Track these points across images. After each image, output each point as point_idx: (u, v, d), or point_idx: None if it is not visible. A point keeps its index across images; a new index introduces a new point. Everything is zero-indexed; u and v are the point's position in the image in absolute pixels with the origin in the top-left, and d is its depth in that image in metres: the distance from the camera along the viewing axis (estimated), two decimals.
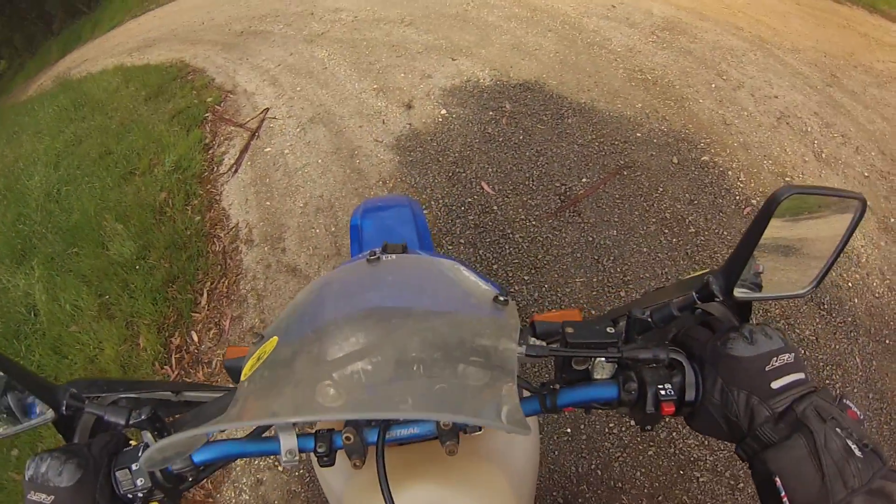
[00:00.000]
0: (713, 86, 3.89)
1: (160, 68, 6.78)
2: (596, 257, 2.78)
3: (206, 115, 4.89)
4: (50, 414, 0.72)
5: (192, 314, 2.97)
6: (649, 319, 0.66)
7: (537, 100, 3.77)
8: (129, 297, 3.11)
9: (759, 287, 0.65)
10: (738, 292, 0.62)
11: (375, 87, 4.21)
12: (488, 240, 2.94)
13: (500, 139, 3.47)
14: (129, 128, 5.53)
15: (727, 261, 0.61)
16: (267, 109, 4.44)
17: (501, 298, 0.66)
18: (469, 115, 3.70)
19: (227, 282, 3.09)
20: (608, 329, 0.64)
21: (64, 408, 0.72)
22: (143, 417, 0.63)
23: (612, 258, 2.76)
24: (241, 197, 3.68)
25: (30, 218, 4.56)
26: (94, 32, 18.00)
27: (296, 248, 3.14)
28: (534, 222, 2.96)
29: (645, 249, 2.80)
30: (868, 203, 0.65)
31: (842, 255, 0.63)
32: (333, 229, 3.16)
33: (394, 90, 4.11)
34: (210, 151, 4.37)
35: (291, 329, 0.67)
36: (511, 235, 2.93)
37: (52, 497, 0.60)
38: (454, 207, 3.11)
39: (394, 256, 0.79)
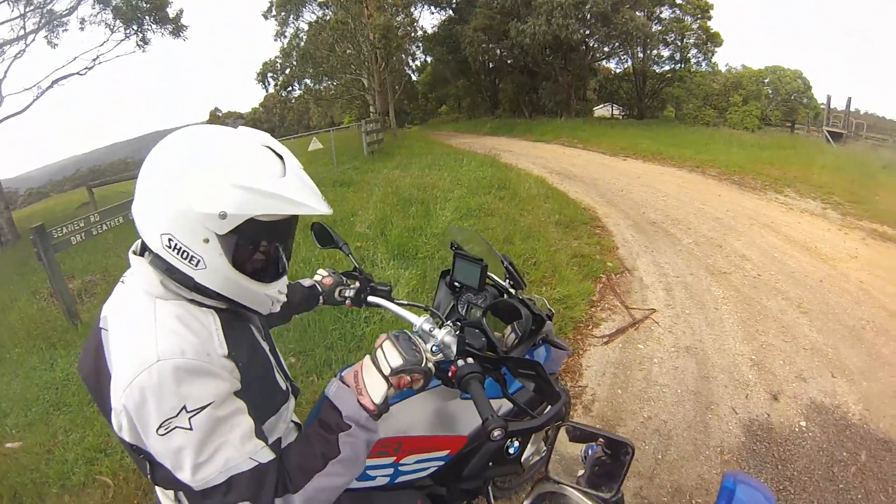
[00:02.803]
0: None
1: (576, 205, 7.93)
2: None
3: (602, 276, 5.63)
4: None
5: None
6: None
7: (894, 467, 3.43)
8: None
9: None
10: None
11: (753, 358, 4.37)
12: None
13: (841, 485, 3.28)
14: (535, 235, 6.55)
15: None
16: (654, 310, 4.95)
17: None
18: (824, 443, 3.58)
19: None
20: None
21: None
22: None
23: None
24: (600, 369, 4.17)
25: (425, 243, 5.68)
26: (524, 135, 21.39)
27: None
28: None
29: None
30: None
31: None
32: (659, 457, 3.37)
33: (767, 372, 4.21)
34: (592, 309, 5.03)
35: None
36: None
37: None
38: None
39: None
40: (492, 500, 1.90)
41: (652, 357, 4.35)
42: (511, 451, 1.73)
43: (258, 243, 1.14)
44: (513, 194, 8.75)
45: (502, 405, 1.64)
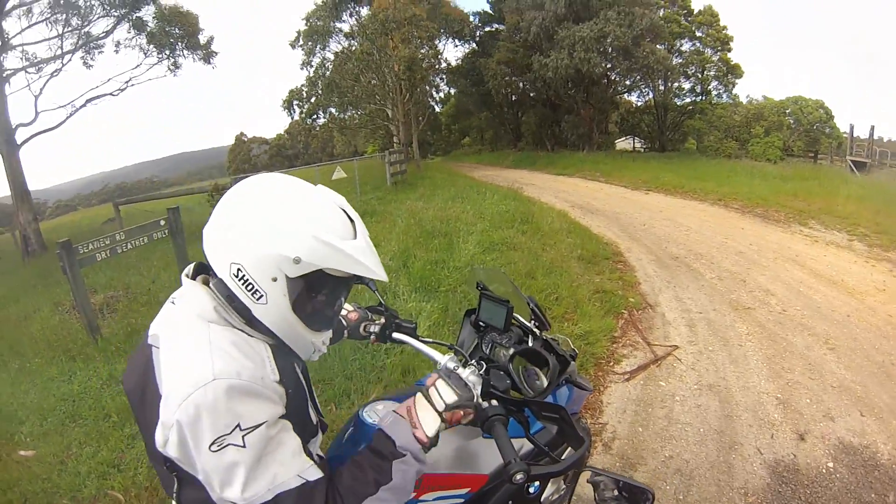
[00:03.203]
0: None
1: (598, 240, 7.97)
2: None
3: (624, 311, 5.64)
4: None
5: None
6: None
7: None
8: None
9: None
10: None
11: (779, 396, 4.30)
12: None
13: None
14: (557, 270, 6.58)
15: None
16: (676, 347, 4.92)
17: None
18: (852, 485, 3.50)
19: None
20: None
21: None
22: None
23: None
24: (621, 406, 4.15)
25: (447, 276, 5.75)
26: (546, 168, 21.66)
27: None
28: None
29: None
30: None
31: None
32: (681, 498, 3.33)
33: (794, 411, 4.13)
34: (614, 345, 5.02)
35: None
36: None
37: None
38: None
39: None
40: None
41: (674, 395, 4.31)
42: (531, 490, 1.73)
43: (319, 293, 1.22)
44: (535, 228, 8.82)
45: (523, 445, 1.66)
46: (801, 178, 16.00)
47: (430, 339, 1.81)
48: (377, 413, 1.52)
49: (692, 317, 5.58)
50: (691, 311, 5.72)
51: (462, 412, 1.26)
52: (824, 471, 3.64)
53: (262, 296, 1.14)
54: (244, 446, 1.02)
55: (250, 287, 1.14)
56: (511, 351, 1.74)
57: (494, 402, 1.38)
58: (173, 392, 1.04)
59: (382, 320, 1.87)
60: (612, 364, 4.77)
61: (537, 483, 1.79)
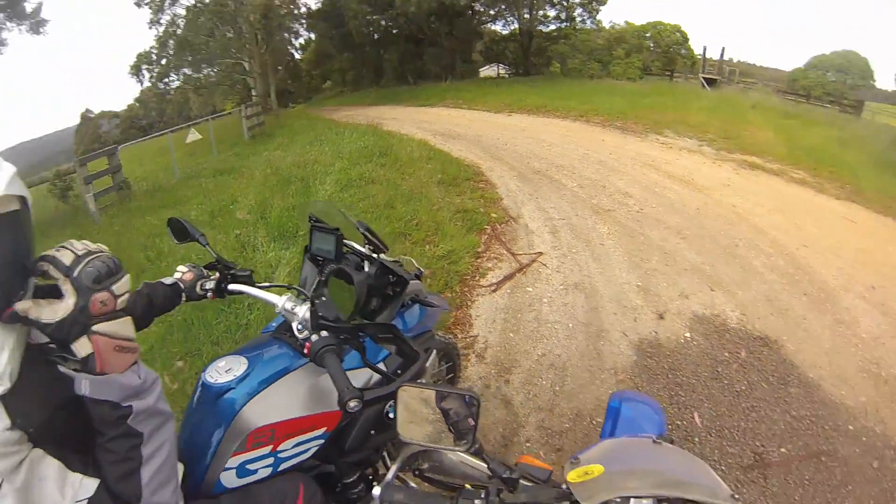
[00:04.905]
0: None
1: (459, 163, 8.08)
2: None
3: (486, 227, 5.78)
4: None
5: None
6: None
7: (771, 359, 3.96)
8: None
9: None
10: None
11: (639, 284, 4.75)
12: None
13: (726, 381, 3.70)
14: (416, 197, 6.61)
15: None
16: (540, 254, 5.21)
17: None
18: (707, 348, 4.01)
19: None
20: None
21: None
22: None
23: None
24: (490, 316, 4.34)
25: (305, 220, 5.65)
26: (408, 101, 21.53)
27: (518, 386, 3.62)
28: (723, 468, 3.10)
29: None
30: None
31: None
32: (557, 389, 3.58)
33: (653, 295, 4.61)
34: (478, 260, 5.17)
35: (612, 461, 1.14)
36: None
37: None
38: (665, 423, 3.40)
39: (668, 444, 1.23)
40: (389, 465, 1.88)
41: (541, 297, 4.58)
42: (392, 415, 1.72)
43: None
44: (394, 160, 8.78)
45: (374, 376, 1.68)
46: (657, 93, 17.47)
47: (268, 284, 1.82)
48: (219, 371, 1.46)
49: (555, 224, 5.89)
50: (554, 218, 6.05)
51: (99, 297, 1.01)
52: (683, 341, 4.11)
53: None
54: None
55: None
56: (323, 276, 1.76)
57: (325, 333, 1.40)
58: None
59: (216, 275, 1.84)
60: (477, 279, 4.90)
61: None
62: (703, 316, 4.40)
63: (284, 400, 1.47)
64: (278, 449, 1.44)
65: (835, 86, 22.73)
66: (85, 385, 1.00)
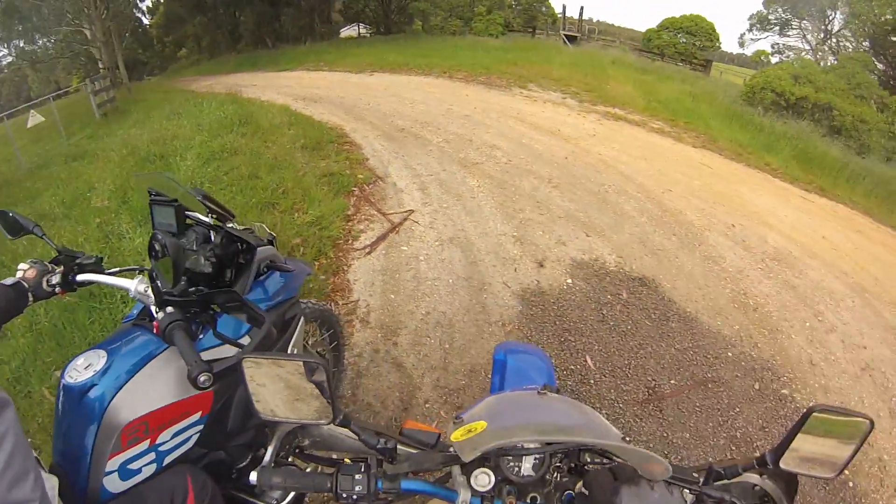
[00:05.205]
0: (807, 325, 4.18)
1: (322, 126, 7.73)
2: (665, 453, 2.98)
3: (354, 189, 5.54)
4: None
5: None
6: (721, 471, 1.01)
7: (651, 297, 4.16)
8: None
9: (800, 463, 0.97)
10: (783, 464, 0.95)
11: (515, 234, 4.75)
12: None
13: (612, 323, 3.83)
14: (281, 164, 6.24)
15: (777, 445, 0.96)
16: (412, 211, 5.07)
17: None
18: (590, 292, 4.11)
19: None
20: None
21: None
22: None
23: (679, 458, 2.96)
24: (368, 279, 4.16)
25: None
26: (268, 66, 20.48)
27: (407, 347, 3.51)
28: (620, 405, 3.24)
29: (710, 459, 2.98)
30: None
31: None
32: (447, 346, 3.51)
33: (530, 244, 4.62)
34: (349, 223, 4.95)
35: (495, 416, 1.05)
36: (598, 411, 3.18)
37: None
38: (558, 370, 3.44)
39: (554, 395, 1.16)
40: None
41: (418, 256, 4.46)
42: None
43: None
44: (255, 128, 8.29)
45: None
46: (520, 49, 17.83)
47: (118, 269, 1.73)
48: (78, 370, 1.34)
49: (423, 181, 5.79)
50: (422, 175, 5.94)
51: None
52: (565, 287, 4.16)
53: None
54: None
55: None
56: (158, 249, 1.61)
57: (170, 309, 1.37)
58: None
59: (60, 268, 1.69)
60: (350, 242, 4.68)
61: None
62: (582, 261, 4.48)
63: (152, 388, 1.39)
64: (157, 442, 1.37)
65: (685, 46, 24.45)
66: None
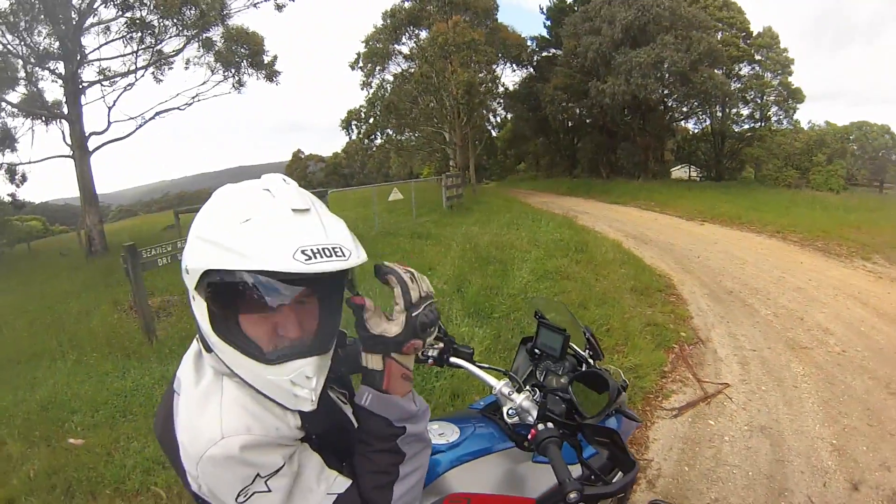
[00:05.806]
0: None
1: (651, 272, 7.99)
2: None
3: (675, 346, 5.68)
4: None
5: None
6: None
7: None
8: None
9: None
10: None
11: (834, 442, 4.22)
12: None
13: None
14: (608, 301, 6.65)
15: None
16: (727, 385, 4.92)
17: None
18: None
19: None
20: None
21: None
22: None
23: None
24: (668, 443, 4.15)
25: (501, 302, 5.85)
26: (601, 196, 21.70)
27: None
28: None
29: None
30: None
31: None
32: None
33: (849, 459, 4.06)
34: (663, 380, 5.02)
35: None
36: None
37: None
38: None
39: None
40: None
41: (723, 435, 4.28)
42: None
43: (232, 306, 1.02)
44: (589, 258, 8.92)
45: (573, 471, 1.71)
46: (865, 208, 15.59)
47: (486, 365, 1.86)
48: (432, 434, 1.54)
49: (745, 354, 5.56)
50: (744, 348, 5.70)
51: (415, 343, 1.15)
52: None
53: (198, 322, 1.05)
54: (269, 491, 1.01)
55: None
56: (567, 377, 1.86)
57: (550, 425, 1.48)
58: (189, 448, 1.02)
59: (441, 345, 1.90)
60: (660, 399, 4.80)
61: None
62: None
63: (487, 476, 1.54)
64: None
65: None
66: (367, 398, 1.16)
